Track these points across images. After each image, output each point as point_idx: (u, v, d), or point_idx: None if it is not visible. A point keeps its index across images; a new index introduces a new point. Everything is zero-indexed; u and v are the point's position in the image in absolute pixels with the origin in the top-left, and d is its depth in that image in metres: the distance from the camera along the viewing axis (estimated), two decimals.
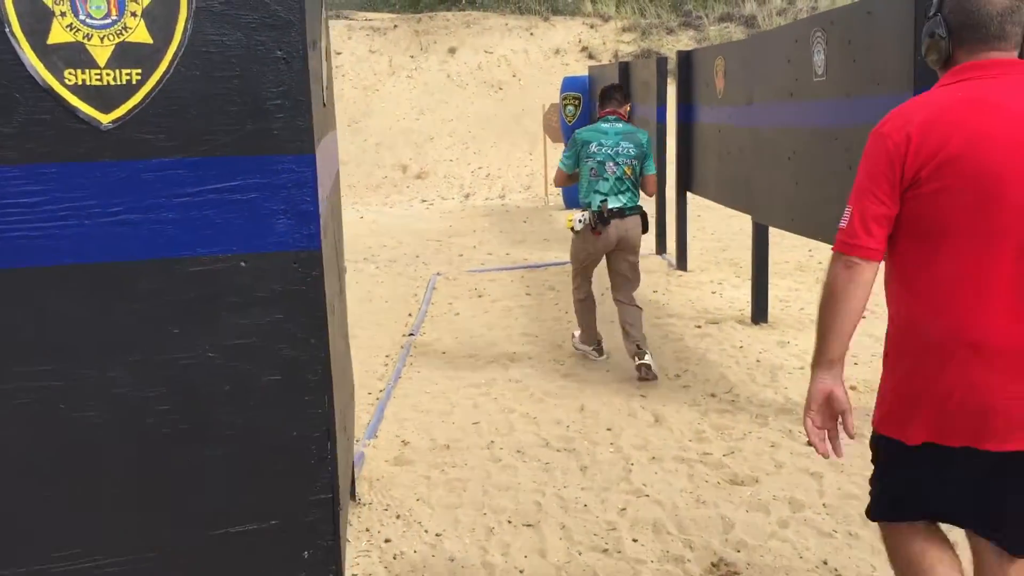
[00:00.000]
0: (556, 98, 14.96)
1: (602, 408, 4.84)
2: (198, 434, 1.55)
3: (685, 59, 8.14)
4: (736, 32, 18.13)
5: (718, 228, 10.81)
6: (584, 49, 18.81)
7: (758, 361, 5.51)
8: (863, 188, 2.07)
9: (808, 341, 5.80)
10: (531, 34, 19.35)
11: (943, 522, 2.19)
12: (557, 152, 15.24)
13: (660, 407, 4.80)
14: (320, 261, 1.52)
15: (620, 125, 5.49)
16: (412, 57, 18.89)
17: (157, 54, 1.40)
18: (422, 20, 19.86)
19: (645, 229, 5.46)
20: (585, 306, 5.70)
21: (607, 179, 5.30)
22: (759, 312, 6.39)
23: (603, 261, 5.60)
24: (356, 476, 4.02)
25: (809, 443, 2.19)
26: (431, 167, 16.33)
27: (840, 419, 2.15)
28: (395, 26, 19.73)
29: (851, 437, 2.17)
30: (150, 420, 1.52)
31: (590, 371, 5.55)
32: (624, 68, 10.86)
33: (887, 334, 2.18)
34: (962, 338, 2.01)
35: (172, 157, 1.44)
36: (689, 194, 8.44)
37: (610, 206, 5.27)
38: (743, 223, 9.51)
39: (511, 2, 21.05)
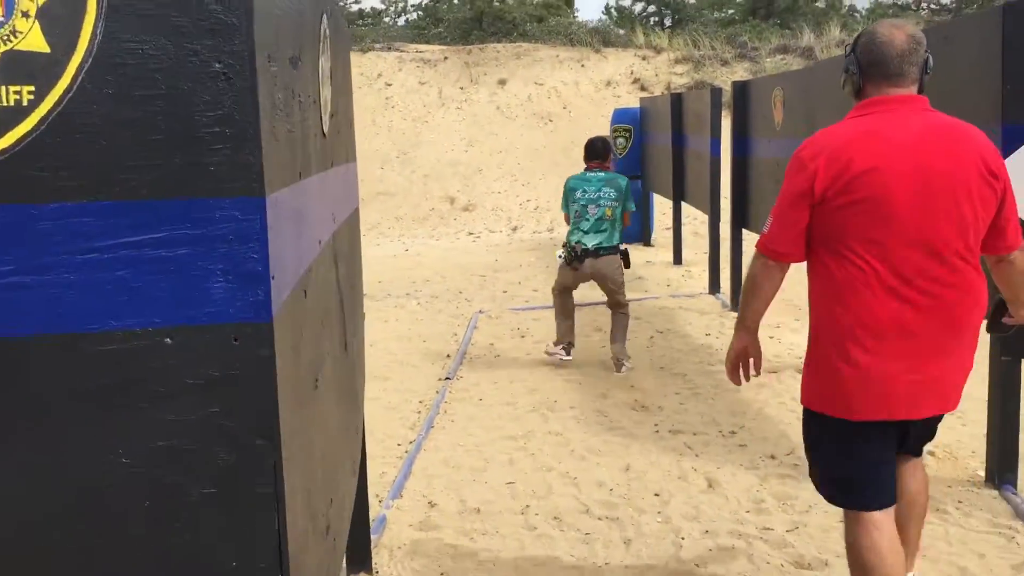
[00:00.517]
0: (607, 130, 14.61)
1: (650, 468, 4.40)
2: (106, 565, 1.17)
3: (741, 90, 7.73)
4: (793, 64, 17.65)
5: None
6: (636, 81, 18.47)
7: None
8: (783, 203, 2.56)
9: None
10: (582, 66, 19.07)
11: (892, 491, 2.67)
12: None
13: (714, 469, 4.35)
14: (271, 336, 1.14)
15: (602, 174, 6.28)
16: (462, 89, 18.71)
17: (56, 66, 1.05)
18: (472, 52, 19.70)
19: (627, 265, 6.24)
20: (562, 311, 6.44)
21: (588, 220, 6.13)
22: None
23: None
24: (375, 543, 3.65)
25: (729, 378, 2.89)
26: (479, 199, 16.05)
27: (752, 362, 2.83)
28: (445, 58, 19.59)
29: (758, 374, 2.89)
30: (42, 545, 1.15)
31: (637, 424, 5.13)
32: (676, 100, 10.48)
33: (811, 323, 2.74)
34: (863, 324, 2.47)
35: (75, 201, 1.08)
36: (745, 232, 7.98)
37: (585, 245, 6.10)
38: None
39: (562, 34, 20.82)
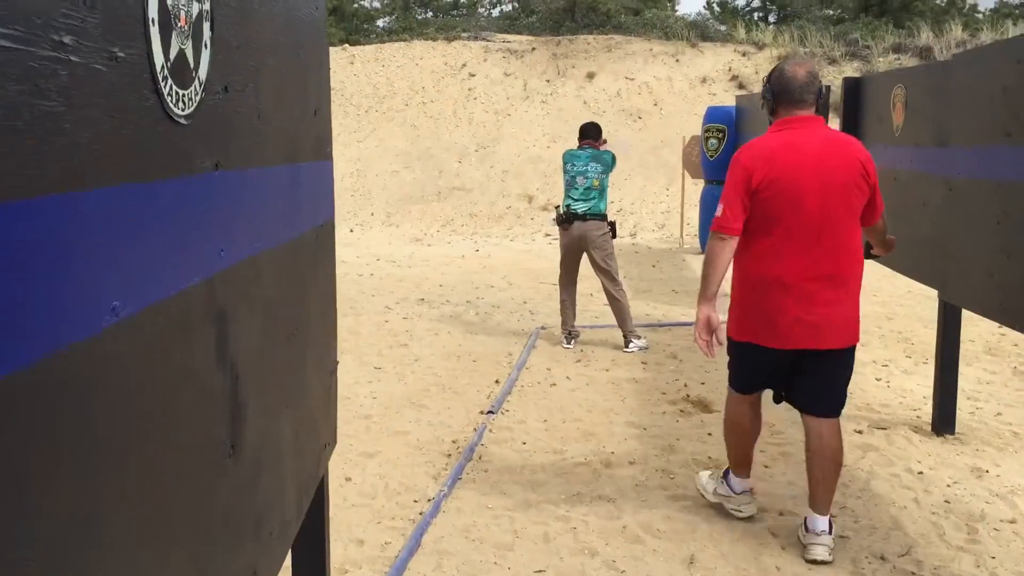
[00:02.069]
0: (699, 130, 13.56)
1: (719, 564, 3.45)
2: None
3: (853, 88, 6.64)
4: (908, 65, 16.24)
5: (881, 287, 9.15)
6: (734, 78, 17.30)
7: (947, 502, 3.99)
8: (730, 195, 3.41)
9: (1018, 464, 4.27)
10: (676, 60, 17.98)
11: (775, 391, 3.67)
12: (696, 189, 13.80)
13: (804, 572, 3.37)
14: None
15: (590, 151, 7.01)
16: (548, 81, 17.82)
17: None
18: (561, 43, 18.79)
19: (613, 235, 7.00)
20: (564, 304, 7.11)
21: (577, 188, 6.94)
22: (944, 420, 4.84)
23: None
24: None
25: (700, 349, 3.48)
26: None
27: (715, 333, 3.45)
28: (533, 49, 18.73)
29: (721, 344, 3.47)
30: None
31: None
32: None
33: (733, 281, 3.59)
34: (779, 280, 3.38)
35: None
36: None
37: (575, 210, 6.92)
38: (911, 282, 7.90)
39: (658, 27, 19.74)
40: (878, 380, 6.04)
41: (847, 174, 3.36)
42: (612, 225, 7.00)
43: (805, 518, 3.51)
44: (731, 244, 3.40)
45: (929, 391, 5.75)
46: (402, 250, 12.53)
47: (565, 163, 7.08)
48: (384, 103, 17.68)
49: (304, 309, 2.16)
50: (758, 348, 3.48)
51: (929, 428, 4.96)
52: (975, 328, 7.40)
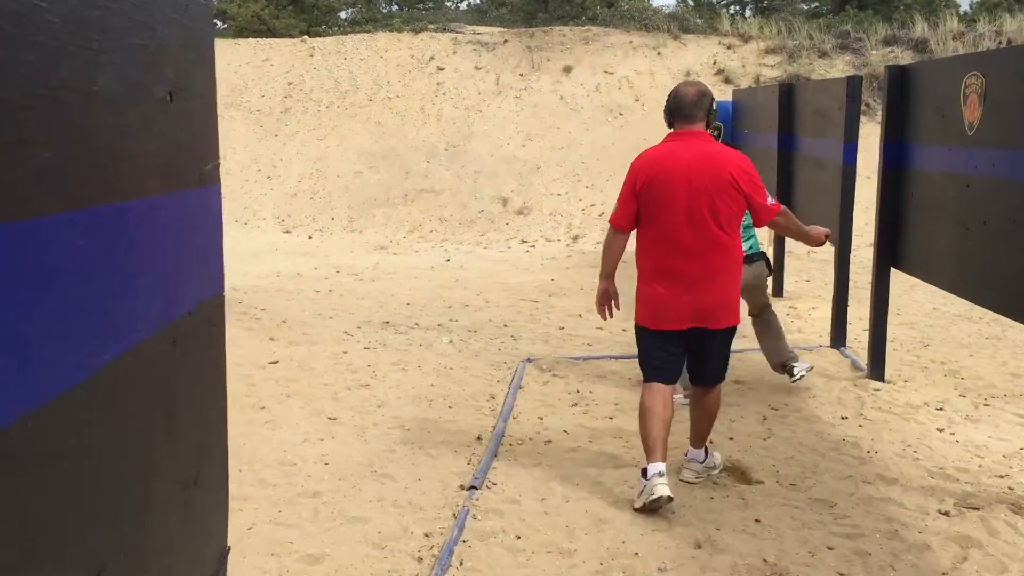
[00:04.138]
0: None
1: None
2: None
3: (899, 77, 5.59)
4: (904, 58, 15.31)
5: (903, 304, 8.13)
6: (720, 72, 16.27)
7: None
8: (623, 195, 4.00)
9: None
10: (658, 54, 16.93)
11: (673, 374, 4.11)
12: None
13: None
14: None
15: None
16: (522, 75, 16.70)
17: None
18: (535, 35, 17.66)
19: (770, 271, 6.08)
20: None
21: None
22: None
23: None
24: None
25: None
26: (535, 202, 14.04)
27: (612, 301, 4.15)
28: (505, 41, 17.59)
29: (618, 309, 4.17)
30: None
31: None
32: (787, 91, 8.35)
33: (638, 269, 4.09)
34: (658, 270, 3.95)
35: None
36: (896, 272, 5.85)
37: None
38: (934, 296, 6.90)
39: (636, 18, 18.68)
40: (940, 431, 4.99)
41: (713, 183, 3.86)
42: (771, 269, 5.99)
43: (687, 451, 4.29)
44: (620, 236, 4.04)
45: (1008, 445, 4.71)
46: (365, 260, 11.36)
47: None
48: (346, 98, 16.46)
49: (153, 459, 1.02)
50: (647, 330, 4.09)
51: None
52: None
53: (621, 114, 15.64)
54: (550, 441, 4.81)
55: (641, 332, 4.13)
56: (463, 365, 6.33)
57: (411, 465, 4.46)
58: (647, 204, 3.93)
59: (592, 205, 13.86)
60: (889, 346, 6.11)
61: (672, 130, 4.04)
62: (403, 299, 8.78)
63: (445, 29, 18.67)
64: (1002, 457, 4.55)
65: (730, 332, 4.10)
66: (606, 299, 4.15)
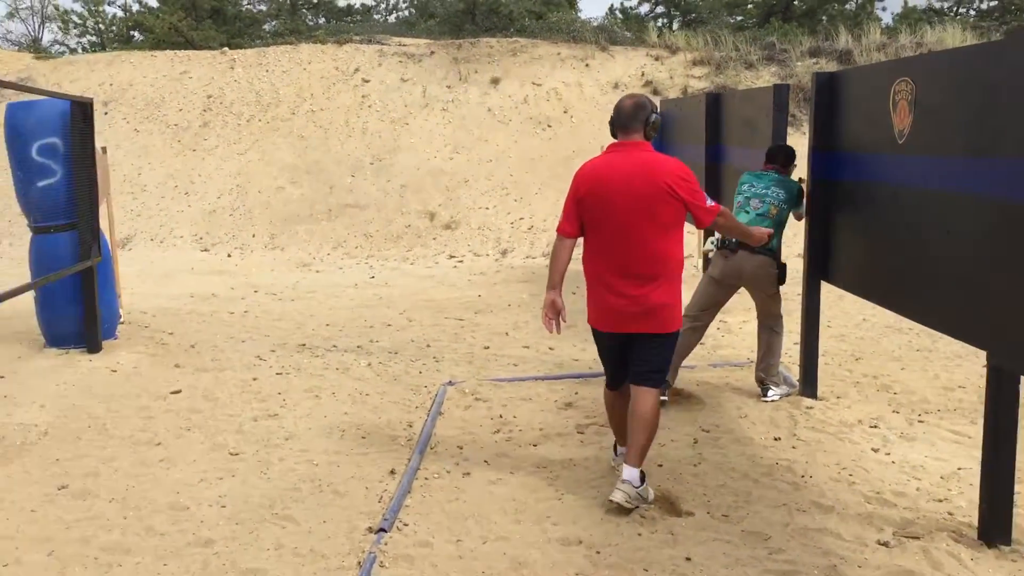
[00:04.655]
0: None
1: None
2: None
3: (828, 84, 5.42)
4: (828, 69, 15.40)
5: (834, 316, 8.01)
6: (648, 83, 16.19)
7: None
8: (567, 204, 4.13)
9: None
10: (586, 65, 16.80)
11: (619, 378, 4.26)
12: None
13: None
14: None
15: (776, 176, 5.71)
16: (449, 88, 16.41)
17: None
18: (463, 47, 17.40)
19: (782, 280, 5.70)
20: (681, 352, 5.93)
21: (747, 213, 5.63)
22: (996, 525, 3.58)
23: None
24: None
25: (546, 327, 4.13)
26: (463, 216, 13.73)
27: (559, 314, 4.13)
28: (432, 53, 17.30)
29: (564, 322, 4.17)
30: None
31: None
32: (714, 101, 8.18)
33: (585, 276, 4.19)
34: (601, 276, 4.07)
35: None
36: (827, 286, 5.67)
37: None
38: (864, 307, 6.78)
39: (565, 30, 18.54)
40: (875, 451, 4.79)
41: (650, 191, 3.94)
42: (782, 269, 5.61)
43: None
44: (566, 244, 4.12)
45: (944, 465, 4.53)
46: (286, 278, 10.91)
47: (741, 183, 5.78)
48: (268, 112, 15.97)
49: None
50: (597, 332, 4.24)
51: (974, 533, 3.70)
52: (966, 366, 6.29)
53: (549, 126, 15.44)
54: (469, 474, 4.48)
55: (593, 332, 4.30)
56: (380, 390, 5.97)
57: (316, 506, 4.10)
58: (589, 213, 4.04)
59: (521, 218, 13.61)
60: (821, 360, 5.94)
61: (614, 140, 4.16)
62: (322, 319, 8.38)
63: (371, 41, 18.30)
64: (940, 479, 4.36)
65: (670, 338, 4.15)
66: (552, 311, 4.14)
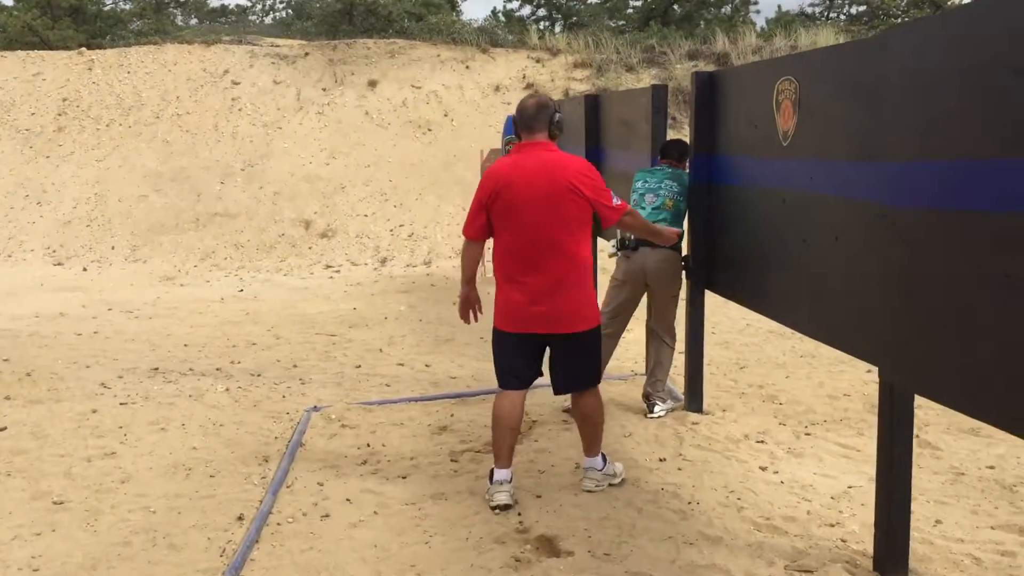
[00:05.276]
0: (496, 142, 12.06)
1: None
2: None
3: (708, 84, 5.18)
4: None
5: (718, 322, 7.85)
6: (529, 86, 15.93)
7: None
8: (472, 207, 4.11)
9: None
10: (467, 67, 16.44)
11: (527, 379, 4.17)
12: None
13: None
14: None
15: (670, 169, 5.48)
16: (324, 90, 15.81)
17: None
18: (338, 48, 16.81)
19: (687, 271, 5.46)
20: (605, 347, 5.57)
21: (643, 209, 5.40)
22: (893, 555, 3.34)
23: None
24: None
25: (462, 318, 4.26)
26: (340, 224, 13.17)
27: (475, 306, 4.24)
28: (306, 54, 16.65)
29: (481, 312, 4.24)
30: None
31: None
32: (592, 103, 7.90)
33: (495, 277, 4.16)
34: (510, 277, 4.03)
35: None
36: (712, 297, 5.43)
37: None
38: (747, 311, 6.58)
39: (445, 32, 18.14)
40: (763, 470, 4.55)
41: (555, 190, 3.93)
42: (686, 260, 5.38)
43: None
44: (473, 246, 4.16)
45: (834, 484, 4.31)
46: (146, 293, 10.16)
47: (635, 181, 5.58)
48: (130, 116, 15.04)
49: None
50: (503, 333, 4.13)
51: (869, 563, 3.46)
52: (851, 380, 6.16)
53: (430, 130, 15.01)
54: (328, 515, 4.02)
55: (496, 336, 4.18)
56: (237, 419, 5.44)
57: (146, 564, 3.57)
58: (496, 216, 4.03)
59: (401, 225, 13.14)
60: (705, 369, 5.68)
61: (518, 141, 4.15)
62: (181, 339, 7.75)
63: (241, 41, 17.50)
64: (830, 499, 4.13)
65: (589, 335, 4.12)
66: (468, 304, 4.25)
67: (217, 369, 6.69)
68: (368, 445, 4.98)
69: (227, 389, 6.11)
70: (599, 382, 4.24)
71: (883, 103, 3.26)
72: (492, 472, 4.15)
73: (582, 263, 4.05)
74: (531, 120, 4.06)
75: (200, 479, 4.49)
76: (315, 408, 5.62)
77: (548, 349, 4.15)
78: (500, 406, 4.14)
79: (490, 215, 4.05)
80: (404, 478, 4.50)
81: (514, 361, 4.14)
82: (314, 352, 7.27)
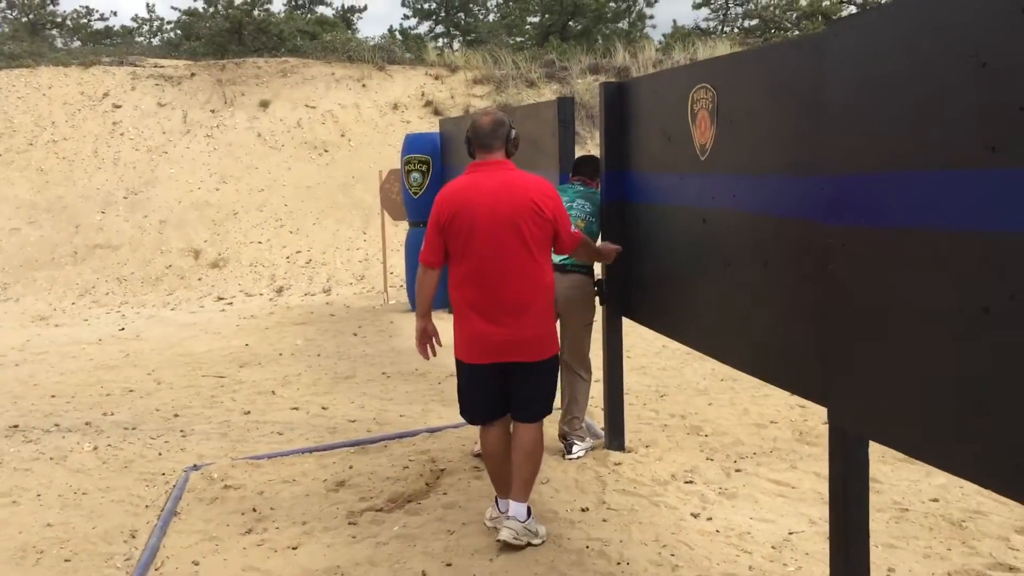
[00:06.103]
0: (396, 162, 11.56)
1: None
2: None
3: (617, 95, 4.78)
4: None
5: (633, 344, 7.47)
6: (428, 104, 15.49)
7: None
8: (428, 231, 3.85)
9: None
10: (363, 86, 15.89)
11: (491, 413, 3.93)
12: (400, 232, 11.69)
13: None
14: None
15: (582, 188, 5.04)
16: (213, 112, 15.04)
17: None
18: (227, 67, 16.07)
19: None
20: None
21: None
22: None
23: None
24: None
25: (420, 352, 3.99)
26: (233, 252, 12.44)
27: (432, 339, 3.98)
28: (192, 75, 15.86)
29: (440, 345, 3.99)
30: None
31: None
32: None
33: (452, 304, 3.92)
34: (470, 304, 3.81)
35: None
36: (630, 323, 5.02)
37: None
38: (665, 337, 6.16)
39: (340, 50, 17.55)
40: (695, 517, 4.13)
41: (516, 211, 3.74)
42: (599, 284, 4.98)
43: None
44: (430, 273, 3.93)
45: (773, 529, 3.92)
46: (14, 337, 9.29)
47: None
48: (0, 143, 14.01)
49: None
50: (465, 364, 3.93)
51: None
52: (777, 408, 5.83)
53: (326, 151, 14.40)
54: None
55: (459, 366, 4.00)
56: (103, 485, 4.79)
57: None
58: (454, 239, 3.80)
59: (298, 252, 12.48)
60: (624, 399, 5.27)
61: (473, 160, 3.93)
62: (48, 389, 6.99)
63: (122, 63, 16.58)
64: (771, 549, 3.74)
65: (551, 363, 3.95)
66: (425, 337, 4.02)
67: (86, 423, 5.98)
68: (254, 510, 4.39)
69: (95, 448, 5.43)
70: (544, 416, 3.97)
71: (818, 110, 2.88)
72: (497, 500, 4.09)
73: (545, 287, 3.86)
74: (488, 138, 3.85)
75: (51, 565, 3.85)
76: (195, 467, 4.99)
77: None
78: (484, 441, 4.02)
79: (447, 239, 3.81)
80: (294, 549, 3.94)
81: (481, 391, 3.92)
82: (198, 398, 6.62)
